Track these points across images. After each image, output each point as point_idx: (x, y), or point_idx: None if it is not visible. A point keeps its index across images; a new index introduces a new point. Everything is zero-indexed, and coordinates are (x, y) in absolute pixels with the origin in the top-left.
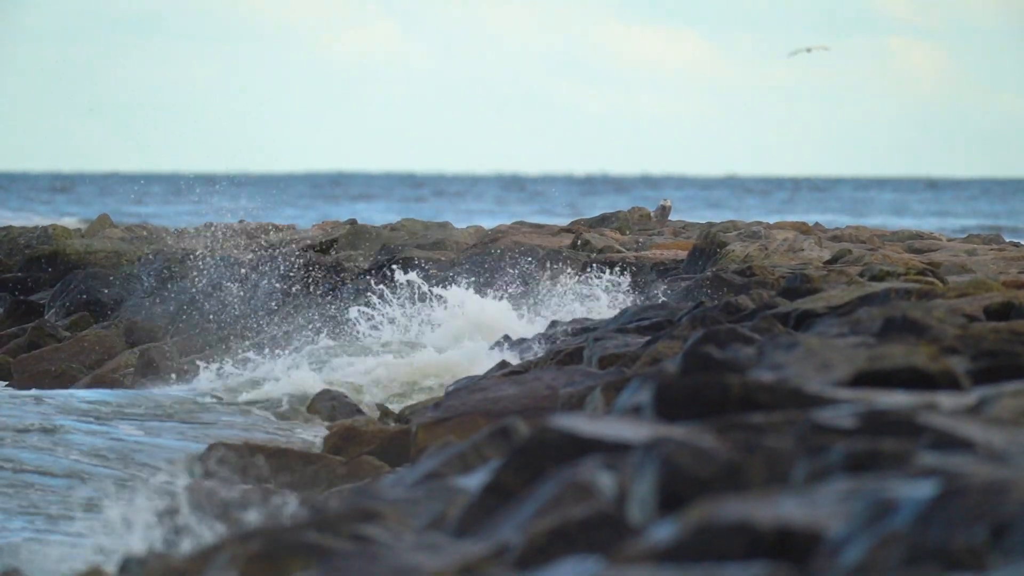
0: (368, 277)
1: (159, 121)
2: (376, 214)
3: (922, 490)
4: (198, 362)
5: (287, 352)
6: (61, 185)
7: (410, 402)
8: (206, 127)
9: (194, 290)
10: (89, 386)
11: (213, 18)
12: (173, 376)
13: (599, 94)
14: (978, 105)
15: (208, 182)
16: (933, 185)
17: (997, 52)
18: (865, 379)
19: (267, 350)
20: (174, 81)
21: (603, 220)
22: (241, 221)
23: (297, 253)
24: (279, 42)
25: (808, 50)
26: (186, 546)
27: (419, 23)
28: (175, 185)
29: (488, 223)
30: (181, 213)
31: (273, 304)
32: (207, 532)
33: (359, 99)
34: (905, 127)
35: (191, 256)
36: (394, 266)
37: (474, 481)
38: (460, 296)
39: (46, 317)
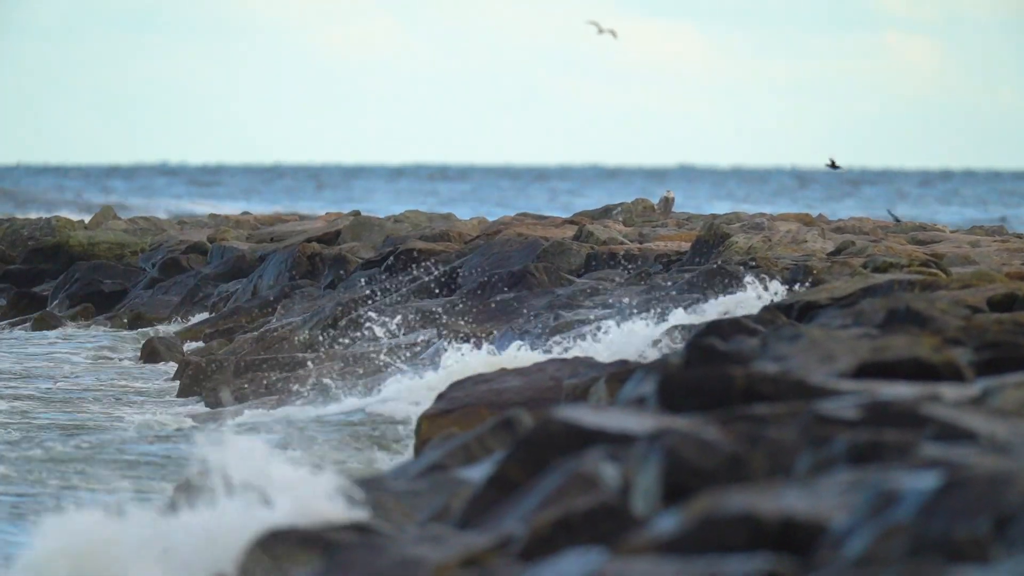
0: None
1: (160, 114)
2: (379, 206)
3: (925, 481)
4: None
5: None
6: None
7: None
8: (206, 120)
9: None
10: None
11: (213, 14)
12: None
13: (597, 87)
14: (974, 99)
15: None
16: (932, 177)
17: (993, 46)
18: (868, 370)
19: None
20: (173, 76)
21: (606, 212)
22: (245, 213)
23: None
24: (275, 36)
25: (600, 31)
26: None
27: (416, 17)
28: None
29: (491, 215)
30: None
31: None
32: None
33: (357, 92)
34: (902, 121)
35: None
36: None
37: (478, 473)
38: None
39: (49, 308)
